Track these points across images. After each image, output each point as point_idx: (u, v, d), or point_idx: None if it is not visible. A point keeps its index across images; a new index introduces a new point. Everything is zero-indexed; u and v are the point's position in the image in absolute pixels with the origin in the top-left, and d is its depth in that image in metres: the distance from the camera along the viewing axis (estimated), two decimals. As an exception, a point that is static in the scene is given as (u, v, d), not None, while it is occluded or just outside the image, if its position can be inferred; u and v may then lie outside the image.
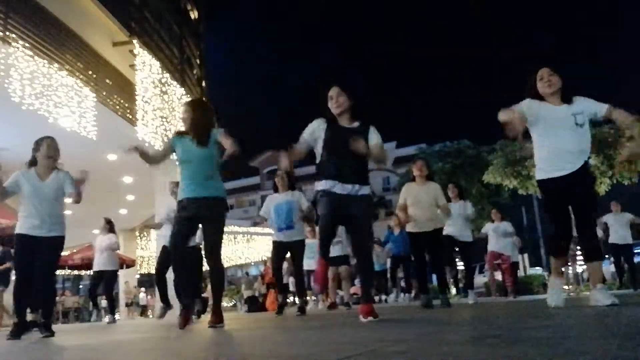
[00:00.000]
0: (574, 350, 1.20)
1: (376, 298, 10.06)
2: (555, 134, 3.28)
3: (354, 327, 2.60)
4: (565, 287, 10.98)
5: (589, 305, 3.25)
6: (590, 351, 1.18)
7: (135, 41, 10.62)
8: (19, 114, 7.41)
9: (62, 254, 4.49)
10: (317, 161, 3.27)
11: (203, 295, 8.59)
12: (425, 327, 2.33)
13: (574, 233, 3.47)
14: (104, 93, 9.34)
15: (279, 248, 5.64)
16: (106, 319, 8.28)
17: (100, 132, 8.48)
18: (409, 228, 5.31)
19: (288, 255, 5.81)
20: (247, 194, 47.24)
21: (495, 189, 16.33)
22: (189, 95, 13.06)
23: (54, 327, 4.32)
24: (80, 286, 35.75)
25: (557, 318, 2.38)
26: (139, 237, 18.11)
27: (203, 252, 3.88)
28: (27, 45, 7.46)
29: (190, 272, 4.77)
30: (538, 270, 20.59)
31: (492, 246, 8.46)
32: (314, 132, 3.25)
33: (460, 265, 9.72)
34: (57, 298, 12.98)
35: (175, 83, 12.16)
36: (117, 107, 9.71)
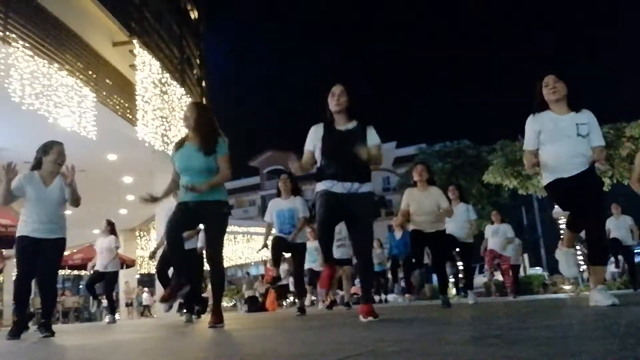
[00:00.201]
0: (574, 350, 1.20)
1: (375, 298, 10.07)
2: (558, 141, 3.26)
3: (354, 327, 2.60)
4: (566, 287, 10.99)
5: (589, 305, 3.25)
6: (590, 351, 1.18)
7: (135, 41, 10.61)
8: (19, 114, 7.41)
9: (64, 254, 4.49)
10: (317, 166, 3.27)
11: (203, 295, 8.58)
12: (425, 327, 2.33)
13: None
14: (104, 93, 9.34)
15: (279, 241, 5.61)
16: (106, 319, 8.28)
17: (100, 132, 8.47)
18: (412, 226, 5.35)
19: (288, 255, 5.81)
20: (247, 194, 47.20)
21: (495, 189, 16.35)
22: (189, 95, 13.07)
23: (54, 327, 4.31)
24: (80, 286, 35.71)
25: (557, 318, 2.38)
26: (139, 237, 18.13)
27: (205, 253, 3.86)
28: (27, 45, 7.46)
29: (190, 272, 4.72)
30: (538, 270, 20.61)
31: (491, 245, 8.45)
32: (313, 140, 3.26)
33: (460, 266, 9.73)
34: (57, 298, 12.97)
35: (175, 83, 12.15)
36: (117, 107, 9.71)
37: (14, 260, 4.21)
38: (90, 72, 9.05)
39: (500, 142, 13.75)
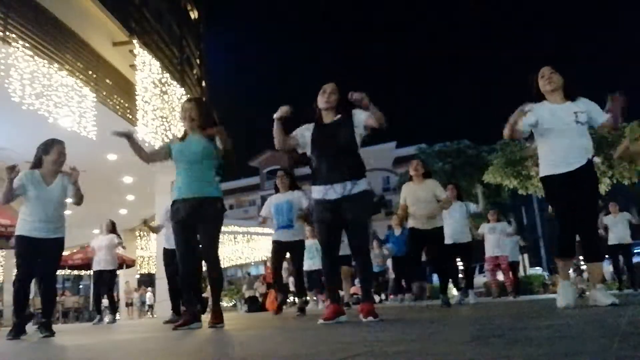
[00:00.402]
0: (574, 350, 1.20)
1: (375, 298, 10.06)
2: (556, 131, 3.26)
3: (354, 327, 2.60)
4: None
5: (589, 305, 3.25)
6: (590, 351, 1.18)
7: (135, 41, 10.62)
8: (19, 114, 7.42)
9: (63, 253, 4.49)
10: (311, 167, 3.30)
11: (203, 295, 8.58)
12: (425, 327, 2.33)
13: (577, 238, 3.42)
14: (104, 93, 9.34)
15: (278, 248, 5.63)
16: (106, 319, 8.29)
17: (100, 132, 8.47)
18: (410, 223, 5.39)
19: (288, 255, 5.80)
20: (247, 194, 47.22)
21: (495, 189, 16.36)
22: (189, 96, 13.06)
23: (54, 327, 4.31)
24: (80, 286, 35.77)
25: (557, 318, 2.38)
26: (139, 237, 18.13)
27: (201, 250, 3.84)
28: (27, 45, 7.47)
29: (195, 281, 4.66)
30: (538, 270, 20.64)
31: (488, 251, 8.53)
32: (304, 134, 3.32)
33: (460, 266, 9.73)
34: (57, 298, 12.96)
35: (175, 83, 12.16)
36: (117, 107, 9.71)
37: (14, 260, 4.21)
38: (90, 72, 9.06)
39: (500, 142, 13.77)
